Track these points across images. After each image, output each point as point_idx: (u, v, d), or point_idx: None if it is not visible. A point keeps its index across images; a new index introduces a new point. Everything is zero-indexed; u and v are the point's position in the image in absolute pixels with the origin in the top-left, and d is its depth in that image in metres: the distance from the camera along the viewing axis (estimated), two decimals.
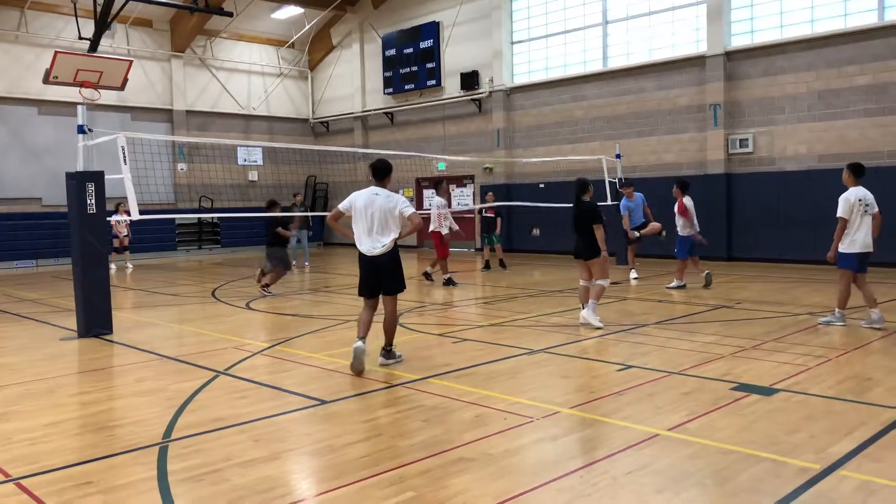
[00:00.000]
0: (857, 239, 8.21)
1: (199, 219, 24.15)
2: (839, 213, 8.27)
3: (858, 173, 8.41)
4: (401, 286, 6.85)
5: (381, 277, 6.73)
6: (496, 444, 4.61)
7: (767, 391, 5.66)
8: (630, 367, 6.64)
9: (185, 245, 24.21)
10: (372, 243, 6.63)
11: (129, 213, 9.02)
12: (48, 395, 6.19)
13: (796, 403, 5.34)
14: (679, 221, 11.84)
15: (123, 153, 8.83)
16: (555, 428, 4.91)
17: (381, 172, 6.80)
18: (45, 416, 5.53)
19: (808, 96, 15.51)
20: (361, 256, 6.73)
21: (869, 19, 14.81)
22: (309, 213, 18.11)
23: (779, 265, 15.36)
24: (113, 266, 18.66)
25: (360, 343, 6.53)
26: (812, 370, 6.31)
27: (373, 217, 6.60)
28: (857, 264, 8.29)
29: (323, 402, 5.71)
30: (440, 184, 14.30)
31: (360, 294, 6.91)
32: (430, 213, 13.78)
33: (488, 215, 15.65)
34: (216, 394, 6.08)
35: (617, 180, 15.73)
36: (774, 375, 6.14)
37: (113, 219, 15.18)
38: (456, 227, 14.23)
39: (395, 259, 6.74)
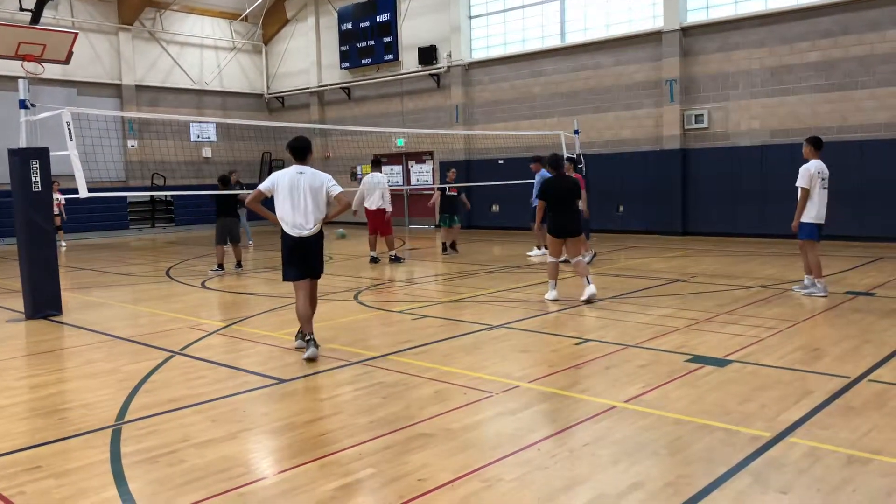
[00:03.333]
0: (815, 210, 8.54)
1: (151, 197, 23.60)
2: (800, 183, 8.54)
3: (818, 146, 8.72)
4: (322, 269, 6.65)
5: (310, 258, 6.42)
6: (456, 419, 4.63)
7: (721, 362, 5.79)
8: (588, 340, 6.72)
9: (138, 224, 23.67)
10: (302, 224, 6.28)
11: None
12: None
13: (748, 374, 5.47)
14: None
15: (69, 129, 8.53)
16: (513, 402, 4.95)
17: (302, 151, 6.43)
18: None
19: (761, 72, 15.75)
20: (288, 238, 6.35)
21: None
22: (248, 192, 17.65)
23: (732, 239, 15.68)
24: (63, 244, 18.21)
25: (314, 349, 6.24)
26: (763, 341, 6.47)
27: (300, 196, 6.26)
28: (817, 234, 8.63)
29: (281, 381, 5.66)
30: (380, 162, 13.77)
31: (289, 278, 6.49)
32: (377, 191, 13.16)
33: (451, 193, 14.77)
34: (172, 374, 5.97)
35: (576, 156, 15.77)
36: (727, 347, 6.27)
37: None
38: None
39: (322, 241, 6.52)
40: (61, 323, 8.41)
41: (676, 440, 4.17)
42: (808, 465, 3.77)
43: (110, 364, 6.38)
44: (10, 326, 8.31)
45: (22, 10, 18.44)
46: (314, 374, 5.87)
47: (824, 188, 8.60)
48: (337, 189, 6.40)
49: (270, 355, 6.57)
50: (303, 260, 6.40)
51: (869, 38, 14.33)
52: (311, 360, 6.21)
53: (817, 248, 8.71)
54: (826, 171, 8.65)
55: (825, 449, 3.96)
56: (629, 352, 6.25)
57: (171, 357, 6.55)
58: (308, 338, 6.35)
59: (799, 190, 8.57)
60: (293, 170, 6.40)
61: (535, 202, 13.43)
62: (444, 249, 14.73)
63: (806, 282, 8.84)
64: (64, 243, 18.52)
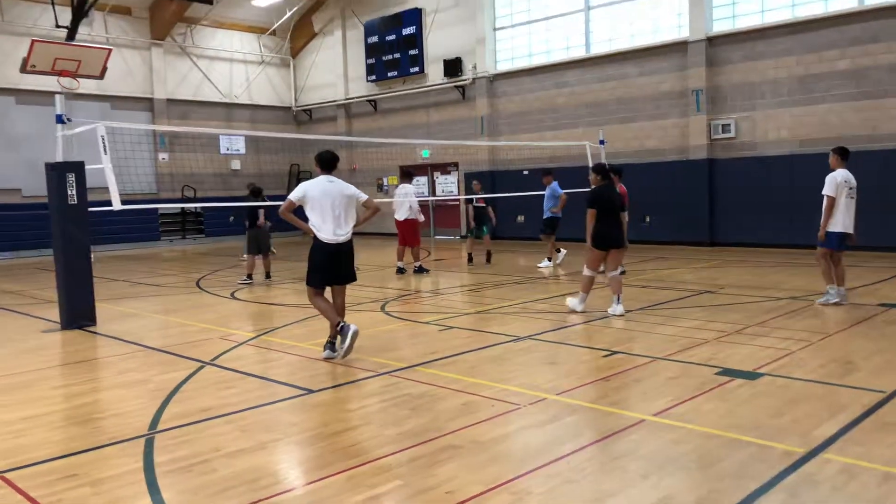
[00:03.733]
0: (839, 219, 8.52)
1: (182, 208, 23.95)
2: (826, 192, 8.52)
3: (844, 156, 8.69)
4: (355, 274, 6.97)
5: (344, 265, 6.73)
6: (484, 431, 4.63)
7: (751, 375, 5.72)
8: (616, 352, 6.68)
9: (169, 235, 24.03)
10: (337, 230, 6.58)
11: None
12: (30, 387, 6.13)
13: (780, 387, 5.40)
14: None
15: (104, 143, 8.72)
16: (542, 414, 4.94)
17: (332, 163, 6.77)
18: (27, 408, 5.48)
19: (788, 81, 15.59)
20: (323, 245, 6.59)
21: (849, 3, 14.88)
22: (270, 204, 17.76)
23: (761, 249, 15.49)
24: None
25: (354, 326, 6.55)
26: (795, 354, 6.38)
27: (333, 204, 6.56)
28: (837, 243, 8.60)
29: (310, 392, 5.70)
30: (410, 174, 14.03)
31: (314, 283, 6.72)
32: (406, 202, 13.22)
33: (479, 205, 14.57)
34: (202, 384, 6.05)
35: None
36: (758, 360, 6.20)
37: None
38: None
39: (353, 247, 6.81)
40: (95, 333, 8.56)
41: (707, 454, 4.13)
42: (844, 482, 3.71)
43: (143, 374, 6.49)
44: (46, 336, 8.48)
45: (58, 27, 18.89)
46: (342, 384, 5.91)
47: (851, 198, 8.54)
48: (365, 195, 6.89)
49: (299, 366, 6.62)
50: (336, 266, 6.68)
51: None
52: (352, 343, 6.50)
53: (830, 257, 8.69)
54: (853, 180, 8.59)
55: (861, 466, 3.89)
56: (658, 364, 6.20)
57: (201, 367, 6.63)
58: (341, 325, 6.55)
59: (825, 199, 8.52)
60: (323, 179, 6.70)
61: (547, 213, 13.71)
62: (470, 260, 14.74)
63: (832, 291, 8.74)
64: (91, 255, 18.80)
